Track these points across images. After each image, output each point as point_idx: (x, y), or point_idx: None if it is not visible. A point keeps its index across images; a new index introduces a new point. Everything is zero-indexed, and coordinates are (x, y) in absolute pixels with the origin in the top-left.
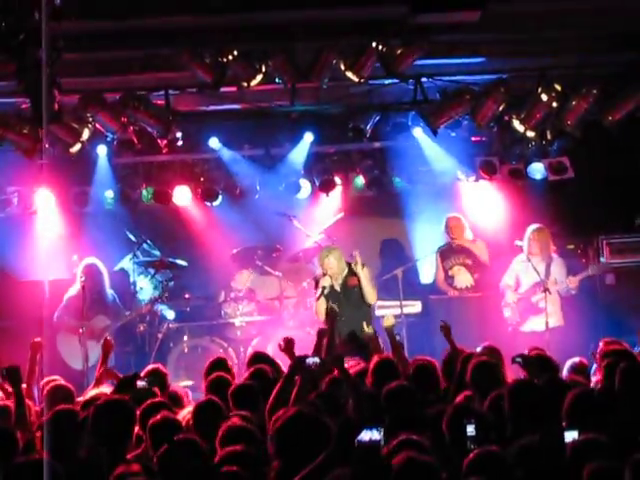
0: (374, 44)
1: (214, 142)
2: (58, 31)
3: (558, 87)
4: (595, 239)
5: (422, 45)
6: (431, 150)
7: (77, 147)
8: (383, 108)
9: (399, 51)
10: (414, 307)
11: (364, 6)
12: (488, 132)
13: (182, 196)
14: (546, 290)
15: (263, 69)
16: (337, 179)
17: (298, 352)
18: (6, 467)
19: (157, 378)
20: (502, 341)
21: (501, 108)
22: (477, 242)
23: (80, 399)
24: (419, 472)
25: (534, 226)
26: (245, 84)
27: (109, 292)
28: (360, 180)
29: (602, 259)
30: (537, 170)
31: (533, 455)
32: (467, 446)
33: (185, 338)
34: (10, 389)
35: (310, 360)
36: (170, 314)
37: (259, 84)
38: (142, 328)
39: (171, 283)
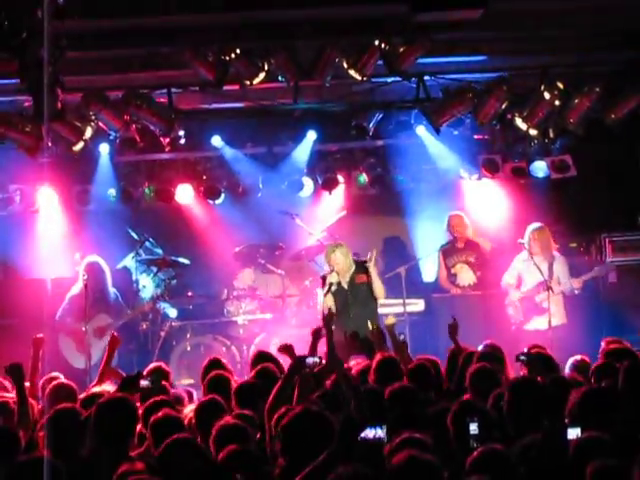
0: (376, 42)
1: (217, 140)
2: (61, 29)
3: (560, 85)
4: (597, 237)
5: (424, 43)
6: (434, 148)
7: (80, 145)
8: (386, 106)
9: (401, 49)
10: (417, 305)
11: (366, 4)
12: (490, 130)
13: (184, 194)
14: (549, 289)
15: (266, 67)
16: (340, 177)
17: (300, 351)
18: (8, 466)
19: (159, 376)
20: (505, 339)
21: (503, 106)
22: (479, 240)
23: (82, 396)
24: (420, 470)
25: (534, 225)
26: (247, 82)
27: (111, 290)
28: (363, 178)
29: (607, 259)
30: (540, 168)
31: (536, 453)
32: (470, 444)
33: (188, 336)
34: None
35: (310, 360)
36: (173, 312)
37: (262, 82)
38: (145, 326)
39: (173, 281)
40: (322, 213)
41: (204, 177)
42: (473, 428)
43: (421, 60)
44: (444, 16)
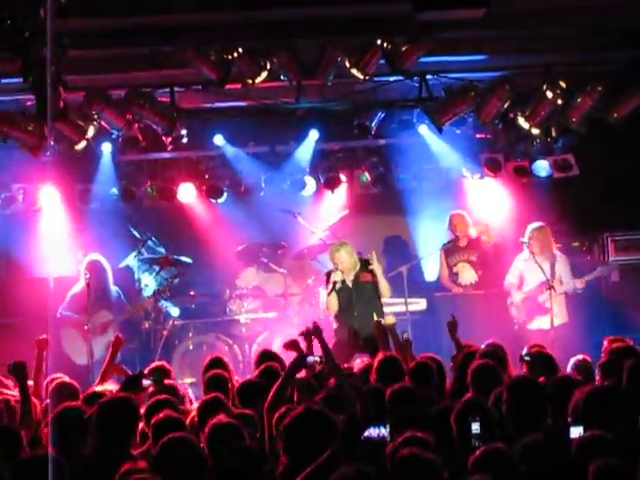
0: (379, 41)
1: (219, 139)
2: (63, 28)
3: (563, 84)
4: (600, 236)
5: (427, 42)
6: (436, 147)
7: (82, 144)
8: (388, 105)
9: (404, 48)
10: (419, 304)
11: (369, 3)
12: (493, 129)
13: (187, 193)
14: (551, 288)
15: (268, 66)
16: (342, 176)
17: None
18: (11, 464)
19: (161, 375)
20: (508, 338)
21: (506, 105)
22: (481, 239)
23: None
24: (422, 468)
25: (534, 225)
26: (250, 81)
27: (113, 289)
28: (365, 177)
29: (610, 259)
30: (542, 167)
31: (538, 452)
32: (472, 443)
33: (190, 335)
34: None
35: (311, 359)
36: (175, 311)
37: (264, 81)
38: (147, 325)
39: (176, 280)
40: (324, 212)
41: (206, 176)
42: (475, 427)
43: (423, 59)
44: (446, 15)
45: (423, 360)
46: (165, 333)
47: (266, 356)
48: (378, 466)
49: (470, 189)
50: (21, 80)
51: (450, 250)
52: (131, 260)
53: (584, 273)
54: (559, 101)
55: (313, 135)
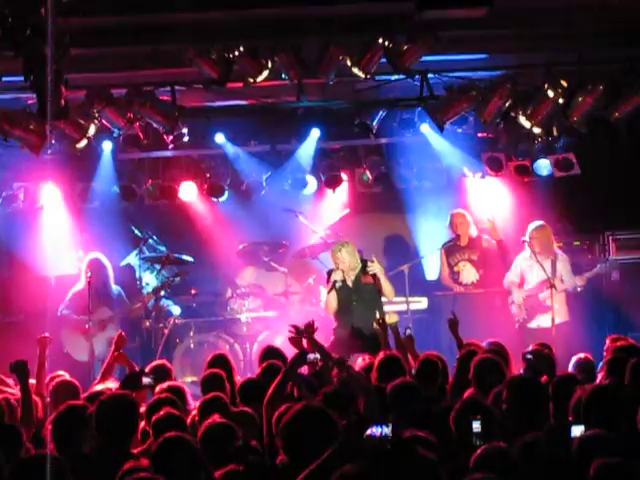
0: (380, 40)
1: (220, 138)
2: (65, 27)
3: (564, 83)
4: (601, 235)
5: (428, 41)
6: (437, 146)
7: (83, 143)
8: (389, 104)
9: (405, 47)
10: (420, 303)
11: (370, 2)
12: (494, 128)
13: (188, 192)
14: (552, 287)
15: (269, 65)
16: (343, 175)
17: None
18: (11, 463)
19: (162, 374)
20: (508, 337)
21: (507, 104)
22: (482, 238)
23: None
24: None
25: (534, 224)
26: (251, 80)
27: (114, 287)
28: (367, 176)
29: (609, 255)
30: (543, 166)
31: (539, 451)
32: (473, 442)
33: (191, 334)
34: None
35: (311, 356)
36: (176, 310)
37: (265, 80)
38: (148, 324)
39: (177, 279)
40: (325, 211)
41: (208, 175)
42: (476, 426)
43: (425, 58)
44: (448, 14)
45: (429, 357)
46: (166, 332)
47: (269, 353)
48: (380, 465)
49: (471, 188)
50: (22, 78)
51: (451, 249)
52: (132, 259)
53: (585, 271)
54: (560, 100)
55: (314, 134)
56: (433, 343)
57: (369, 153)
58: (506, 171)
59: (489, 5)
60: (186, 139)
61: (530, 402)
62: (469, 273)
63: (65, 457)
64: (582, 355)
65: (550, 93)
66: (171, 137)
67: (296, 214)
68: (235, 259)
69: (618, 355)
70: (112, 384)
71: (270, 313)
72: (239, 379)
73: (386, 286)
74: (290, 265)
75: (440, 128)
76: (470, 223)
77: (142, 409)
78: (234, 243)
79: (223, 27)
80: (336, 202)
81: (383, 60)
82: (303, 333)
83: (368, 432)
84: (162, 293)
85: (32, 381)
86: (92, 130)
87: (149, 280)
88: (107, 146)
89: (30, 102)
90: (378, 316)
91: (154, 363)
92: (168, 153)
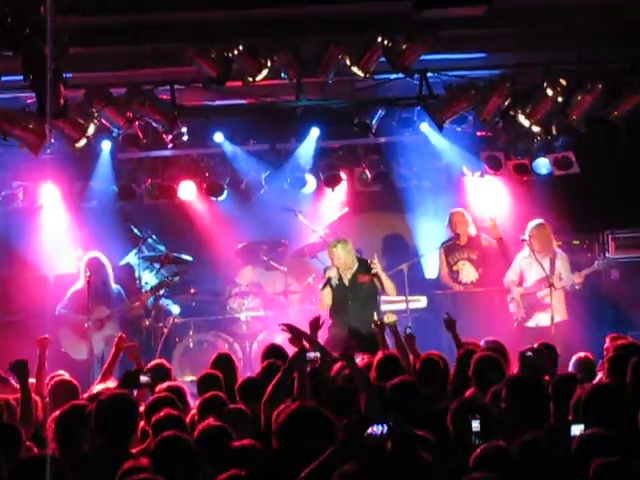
0: (379, 39)
1: (219, 137)
2: (64, 26)
3: (563, 82)
4: (600, 234)
5: (427, 40)
6: (436, 145)
7: (82, 142)
8: (388, 103)
9: (404, 46)
10: (419, 302)
11: (369, 1)
12: (493, 127)
13: (187, 191)
14: (551, 286)
15: (269, 64)
16: (342, 174)
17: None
18: (10, 463)
19: (161, 373)
20: (507, 336)
21: (506, 103)
22: (481, 236)
23: (85, 395)
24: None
25: (534, 222)
26: (250, 79)
27: (114, 286)
28: (366, 175)
29: (608, 254)
30: (542, 165)
31: (539, 450)
32: (472, 441)
33: (190, 333)
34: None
35: (311, 354)
36: (175, 309)
37: (265, 79)
38: (147, 323)
39: (176, 278)
40: (325, 210)
41: (207, 174)
42: (475, 425)
43: (424, 57)
44: (447, 13)
45: (430, 356)
46: (165, 331)
47: (272, 352)
48: (380, 464)
49: (470, 187)
50: (21, 78)
51: (450, 248)
52: (131, 258)
53: (582, 269)
54: (559, 99)
55: (314, 133)
56: (433, 342)
57: (368, 152)
58: (505, 170)
59: (488, 4)
60: (185, 138)
61: (529, 401)
62: (468, 272)
63: (66, 456)
64: (582, 354)
65: (549, 92)
66: (170, 136)
67: (295, 213)
68: (234, 258)
69: (619, 354)
70: (112, 384)
71: (269, 312)
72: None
73: (387, 284)
74: (289, 264)
75: (439, 127)
76: (469, 222)
77: (141, 408)
78: (233, 242)
79: (222, 26)
80: (335, 201)
81: (382, 59)
82: (296, 331)
83: (368, 431)
84: (161, 292)
85: (32, 380)
86: (91, 129)
87: (148, 279)
88: (106, 145)
89: (29, 101)
90: (375, 316)
91: (153, 362)
92: (167, 152)
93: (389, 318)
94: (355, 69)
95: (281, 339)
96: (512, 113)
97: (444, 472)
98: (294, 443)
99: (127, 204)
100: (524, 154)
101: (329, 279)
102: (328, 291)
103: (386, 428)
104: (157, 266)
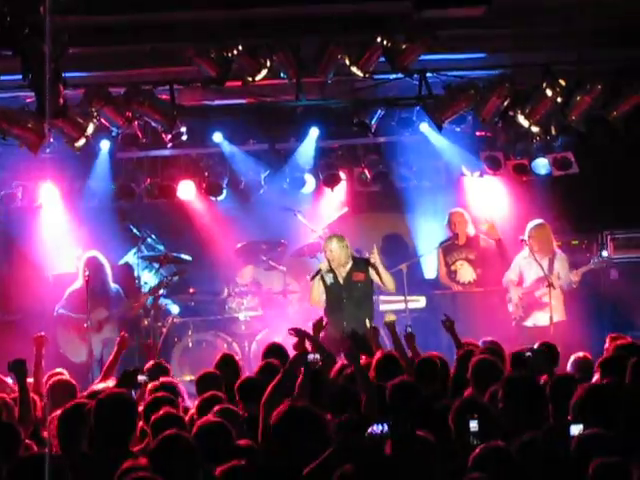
0: (379, 39)
1: (218, 137)
2: (63, 25)
3: (562, 82)
4: (599, 234)
5: (427, 40)
6: (436, 145)
7: (82, 142)
8: (388, 103)
9: (404, 46)
10: (418, 302)
11: (369, 1)
12: (492, 127)
13: (186, 191)
14: (550, 285)
15: (268, 64)
16: (342, 174)
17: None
18: (9, 462)
19: (159, 373)
20: (506, 336)
21: (505, 103)
22: (480, 237)
23: (85, 393)
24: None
25: (533, 223)
26: (250, 79)
27: (112, 286)
28: (365, 175)
29: (603, 252)
30: (542, 165)
31: (537, 450)
32: (470, 441)
33: (189, 333)
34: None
35: (311, 356)
36: (175, 308)
37: (264, 79)
38: (146, 322)
39: (175, 278)
40: (324, 210)
41: (206, 174)
42: (473, 425)
43: (423, 57)
44: (446, 13)
45: (427, 357)
46: (164, 331)
47: (272, 351)
48: (380, 464)
49: (470, 187)
50: (21, 77)
51: (448, 248)
52: (131, 257)
53: (579, 267)
54: (559, 99)
55: (313, 133)
56: (432, 342)
57: (367, 152)
58: (504, 170)
59: (488, 4)
60: (184, 138)
61: (525, 401)
62: (466, 272)
63: (67, 455)
64: (580, 354)
65: (548, 92)
66: (170, 136)
67: (295, 213)
68: (234, 258)
69: (618, 353)
70: (113, 383)
71: (268, 312)
72: None
73: (386, 277)
74: (289, 264)
75: (439, 127)
76: (468, 222)
77: (140, 408)
78: (233, 242)
79: (222, 26)
80: (334, 201)
81: (382, 59)
82: (304, 334)
83: (368, 430)
84: (160, 292)
85: (30, 380)
86: (91, 129)
87: (148, 279)
88: (105, 145)
89: (28, 101)
90: (368, 322)
91: (151, 362)
92: (166, 152)
93: (388, 318)
94: (354, 69)
95: (280, 339)
96: (511, 113)
97: (444, 472)
98: (287, 443)
99: (126, 204)
100: (523, 154)
101: (319, 270)
102: (318, 284)
103: (386, 428)
104: (156, 266)
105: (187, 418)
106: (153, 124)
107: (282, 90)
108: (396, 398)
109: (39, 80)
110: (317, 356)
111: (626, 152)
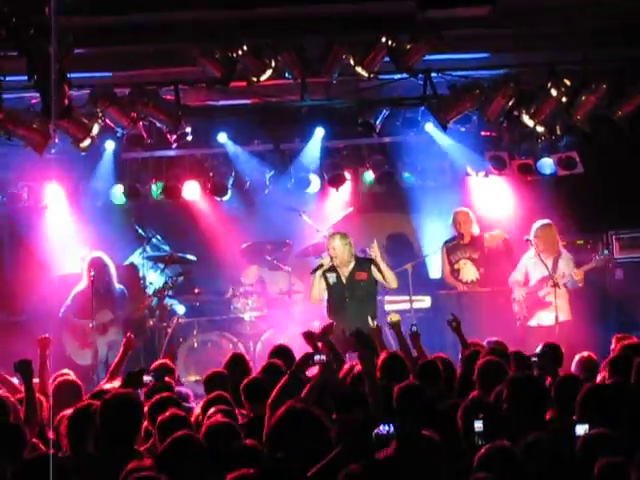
0: (384, 39)
1: (223, 137)
2: (68, 26)
3: (567, 82)
4: (604, 234)
5: (431, 40)
6: (441, 145)
7: (87, 142)
8: (393, 103)
9: (408, 46)
10: (423, 302)
11: (373, 1)
12: (497, 127)
13: (191, 191)
14: (554, 285)
15: (273, 64)
16: (347, 174)
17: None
18: (14, 463)
19: (165, 373)
20: (511, 335)
21: (510, 103)
22: (484, 236)
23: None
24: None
25: (539, 223)
26: (255, 79)
27: (117, 286)
28: (370, 175)
29: (606, 251)
30: (547, 165)
31: (543, 450)
32: (475, 441)
33: (195, 333)
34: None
35: (318, 357)
36: (180, 309)
37: (269, 79)
38: (152, 323)
39: (181, 278)
40: (329, 210)
41: (211, 174)
42: (478, 425)
43: (428, 57)
44: (451, 13)
45: (429, 360)
46: (170, 331)
47: (278, 352)
48: (386, 464)
49: (475, 187)
50: (26, 78)
51: (452, 247)
52: (136, 258)
53: (582, 266)
54: (564, 99)
55: (318, 133)
56: (437, 342)
57: (372, 152)
58: (509, 170)
59: (492, 4)
60: (189, 138)
61: (529, 401)
62: (469, 271)
63: (76, 455)
64: (585, 354)
65: (553, 92)
66: (174, 136)
67: (299, 213)
68: (239, 258)
69: (624, 353)
70: (119, 384)
71: (274, 312)
72: None
73: (387, 273)
74: (294, 264)
75: (443, 127)
76: (473, 221)
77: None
78: (237, 242)
79: (226, 26)
80: (339, 201)
81: (386, 59)
82: (316, 337)
83: (375, 431)
84: (166, 292)
85: (36, 380)
86: (96, 129)
87: (153, 279)
88: (110, 145)
89: (34, 101)
90: (371, 321)
91: (157, 362)
92: (172, 152)
93: (393, 317)
94: (359, 69)
95: (285, 339)
96: (516, 113)
97: (449, 472)
98: (286, 444)
99: (132, 204)
100: (528, 154)
101: (320, 265)
102: (318, 281)
103: (392, 428)
104: (161, 266)
105: (192, 419)
106: (158, 124)
107: (287, 90)
108: (403, 401)
109: (44, 81)
110: (323, 357)
111: (631, 152)
